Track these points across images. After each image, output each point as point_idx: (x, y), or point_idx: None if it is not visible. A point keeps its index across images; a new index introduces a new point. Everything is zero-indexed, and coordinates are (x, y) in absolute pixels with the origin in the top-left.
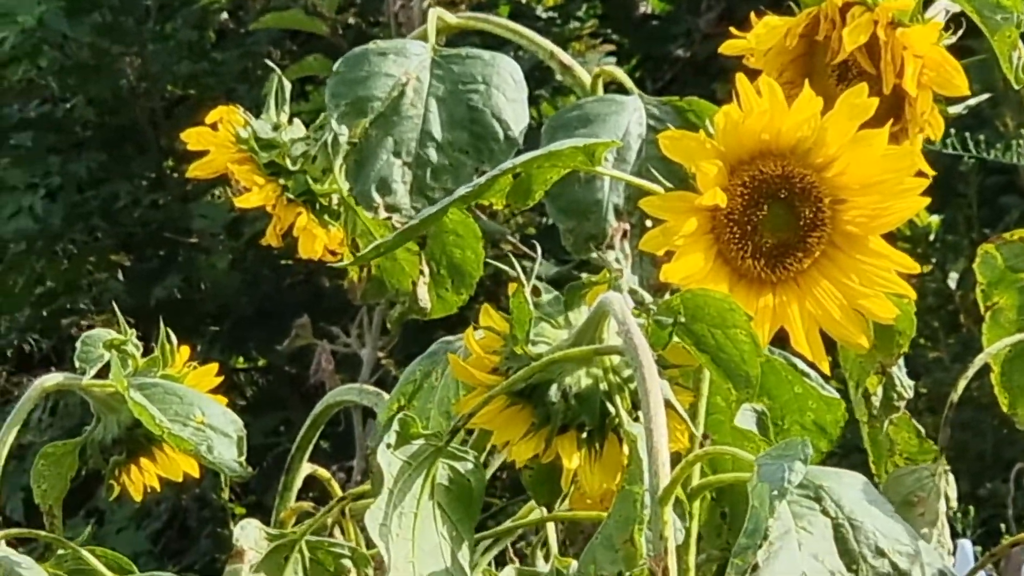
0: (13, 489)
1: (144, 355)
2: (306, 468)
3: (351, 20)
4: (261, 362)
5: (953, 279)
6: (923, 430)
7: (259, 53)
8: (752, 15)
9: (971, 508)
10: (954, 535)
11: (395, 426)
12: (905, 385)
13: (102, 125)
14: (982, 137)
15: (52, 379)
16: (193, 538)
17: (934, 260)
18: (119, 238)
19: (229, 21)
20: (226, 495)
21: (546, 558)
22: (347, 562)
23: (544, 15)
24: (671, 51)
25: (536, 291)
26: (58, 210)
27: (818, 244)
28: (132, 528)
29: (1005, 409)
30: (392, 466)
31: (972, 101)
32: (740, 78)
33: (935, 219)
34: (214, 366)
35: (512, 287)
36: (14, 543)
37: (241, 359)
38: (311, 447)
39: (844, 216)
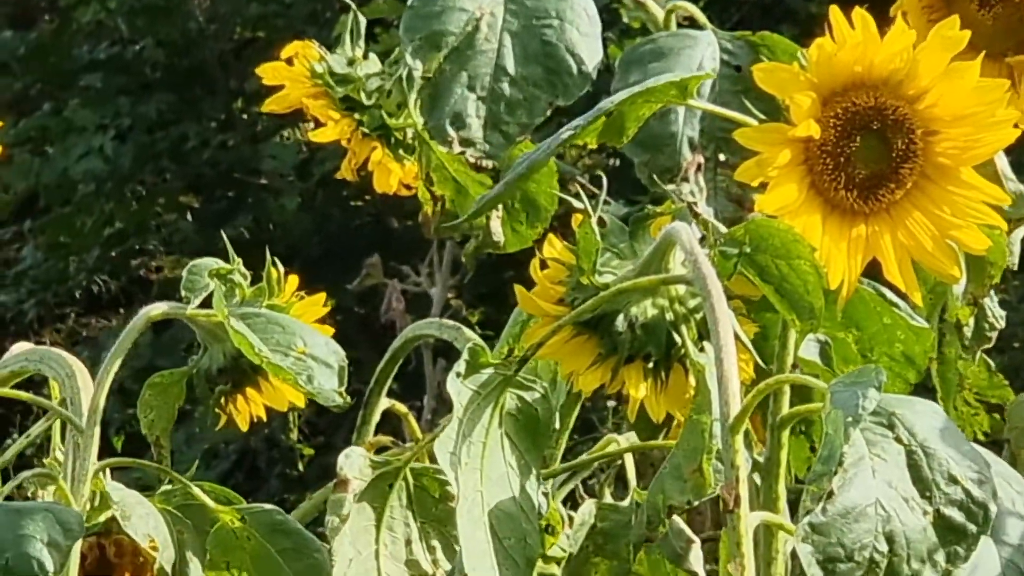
0: None
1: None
2: (384, 403)
3: None
4: (330, 302)
5: None
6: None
7: None
8: None
9: None
10: None
11: (465, 355)
12: (997, 315)
13: (171, 66)
14: None
15: (158, 308)
16: (262, 478)
17: None
18: (188, 179)
19: None
20: (295, 436)
21: (614, 495)
22: (452, 489)
23: None
24: None
25: (602, 222)
26: (128, 151)
27: (910, 175)
28: (201, 469)
29: None
30: (462, 395)
31: None
32: (834, 10)
33: None
34: (321, 296)
35: (577, 218)
36: None
37: None
38: (389, 381)
39: (936, 148)
